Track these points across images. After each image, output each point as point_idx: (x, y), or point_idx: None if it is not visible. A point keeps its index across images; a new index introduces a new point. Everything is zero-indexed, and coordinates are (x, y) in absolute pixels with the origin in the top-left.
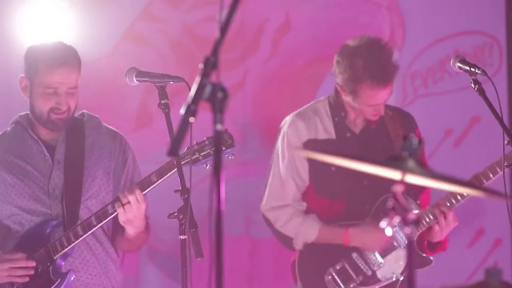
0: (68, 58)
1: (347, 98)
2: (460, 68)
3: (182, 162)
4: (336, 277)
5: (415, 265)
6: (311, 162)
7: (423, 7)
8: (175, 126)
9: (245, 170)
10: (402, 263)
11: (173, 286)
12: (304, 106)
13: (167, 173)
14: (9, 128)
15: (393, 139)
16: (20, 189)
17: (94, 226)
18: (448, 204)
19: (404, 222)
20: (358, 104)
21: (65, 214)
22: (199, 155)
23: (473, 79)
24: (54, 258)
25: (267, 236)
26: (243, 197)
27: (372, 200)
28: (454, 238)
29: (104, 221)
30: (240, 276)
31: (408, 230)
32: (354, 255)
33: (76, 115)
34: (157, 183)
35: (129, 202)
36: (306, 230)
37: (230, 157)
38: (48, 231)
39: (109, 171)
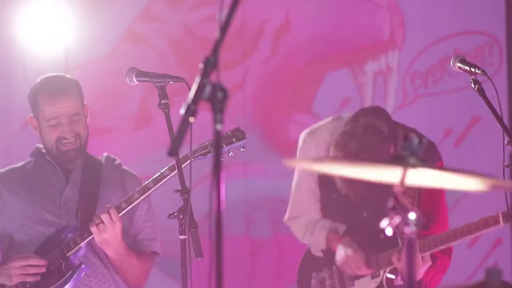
0: (65, 87)
1: None
2: (460, 68)
3: (195, 155)
4: (315, 284)
5: (414, 266)
6: (320, 185)
7: (423, 7)
8: (175, 126)
9: (245, 170)
10: None
11: (173, 286)
12: (322, 122)
13: (148, 191)
14: (22, 162)
15: None
16: (31, 200)
17: None
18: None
19: (404, 222)
20: None
21: (80, 227)
22: (211, 148)
23: (473, 79)
24: (68, 255)
25: (267, 236)
26: (243, 197)
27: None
28: None
29: None
30: (240, 276)
31: (408, 229)
32: (334, 268)
33: (98, 156)
34: (139, 199)
35: (102, 222)
36: (316, 242)
37: (242, 149)
38: (63, 235)
39: None
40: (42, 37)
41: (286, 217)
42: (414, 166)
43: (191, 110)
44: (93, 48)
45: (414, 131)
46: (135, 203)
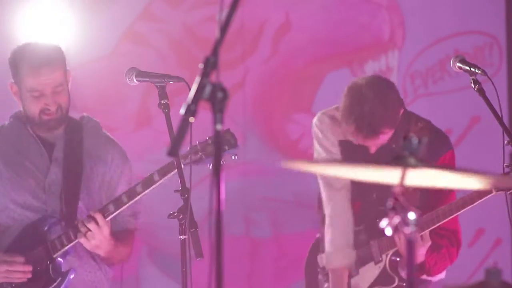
0: (48, 57)
1: None
2: (460, 68)
3: (186, 161)
4: (322, 278)
5: (414, 266)
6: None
7: (423, 7)
8: (175, 126)
9: (245, 170)
10: (370, 278)
11: (173, 286)
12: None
13: (136, 196)
14: (7, 122)
15: None
16: (16, 183)
17: None
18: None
19: (404, 222)
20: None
21: (64, 211)
22: (202, 154)
23: (473, 79)
24: (54, 256)
25: (267, 236)
26: (243, 197)
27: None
28: None
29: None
30: (240, 276)
31: (408, 230)
32: None
33: (77, 117)
34: (128, 204)
35: (89, 230)
36: (326, 260)
37: (233, 157)
38: (45, 228)
39: (104, 178)
40: (42, 37)
41: (325, 215)
42: (413, 166)
43: (191, 110)
44: (93, 48)
45: (428, 122)
46: (124, 207)
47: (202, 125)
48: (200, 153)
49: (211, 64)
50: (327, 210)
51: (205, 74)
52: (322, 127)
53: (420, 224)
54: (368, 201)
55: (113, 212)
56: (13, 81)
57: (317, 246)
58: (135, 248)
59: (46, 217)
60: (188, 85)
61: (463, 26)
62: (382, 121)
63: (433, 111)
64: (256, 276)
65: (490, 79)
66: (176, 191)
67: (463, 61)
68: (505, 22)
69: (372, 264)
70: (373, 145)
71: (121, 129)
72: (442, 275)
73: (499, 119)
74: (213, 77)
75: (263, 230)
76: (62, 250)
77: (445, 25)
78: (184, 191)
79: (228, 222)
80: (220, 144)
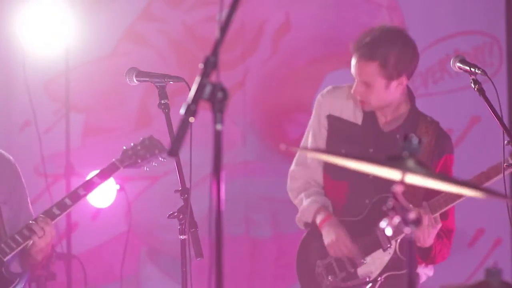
0: None
1: None
2: (460, 68)
3: (124, 165)
4: (321, 272)
5: (414, 266)
6: (329, 138)
7: (423, 7)
8: (175, 126)
9: (245, 170)
10: (380, 265)
11: (173, 286)
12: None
13: (80, 198)
14: None
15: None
16: None
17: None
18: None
19: (404, 222)
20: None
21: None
22: (136, 157)
23: (473, 79)
24: (5, 260)
25: (267, 236)
26: (243, 197)
27: (373, 195)
28: (454, 237)
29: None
30: (240, 276)
31: (408, 230)
32: None
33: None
34: (72, 207)
35: (43, 231)
36: (303, 214)
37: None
38: None
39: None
40: (42, 37)
41: (292, 166)
42: (412, 170)
43: (191, 110)
44: (93, 48)
45: (436, 122)
46: (68, 210)
47: (202, 125)
48: (134, 157)
49: (211, 64)
50: (295, 184)
51: (205, 74)
52: (319, 100)
53: (432, 206)
54: (364, 183)
55: (59, 215)
56: None
57: (308, 243)
58: (135, 248)
59: None
60: (188, 85)
61: (463, 26)
62: (377, 45)
63: (433, 111)
64: (256, 276)
65: (490, 79)
66: (176, 191)
67: (463, 61)
68: (505, 22)
69: (380, 251)
70: (360, 77)
71: (121, 129)
72: (430, 272)
73: (499, 119)
74: (213, 77)
75: (263, 230)
76: (12, 254)
77: (445, 25)
78: (184, 191)
79: (228, 222)
80: (220, 144)
